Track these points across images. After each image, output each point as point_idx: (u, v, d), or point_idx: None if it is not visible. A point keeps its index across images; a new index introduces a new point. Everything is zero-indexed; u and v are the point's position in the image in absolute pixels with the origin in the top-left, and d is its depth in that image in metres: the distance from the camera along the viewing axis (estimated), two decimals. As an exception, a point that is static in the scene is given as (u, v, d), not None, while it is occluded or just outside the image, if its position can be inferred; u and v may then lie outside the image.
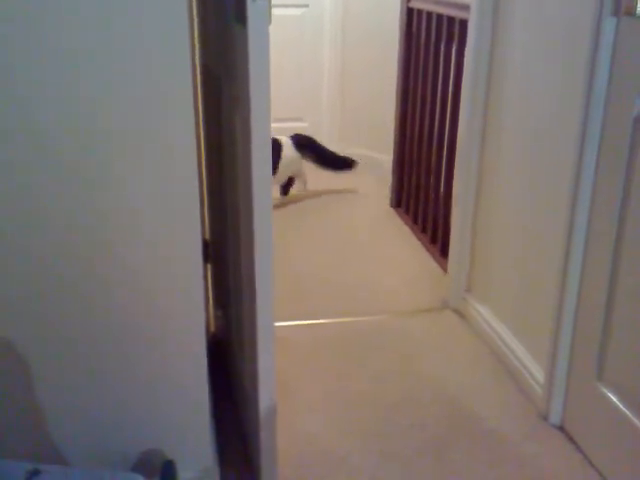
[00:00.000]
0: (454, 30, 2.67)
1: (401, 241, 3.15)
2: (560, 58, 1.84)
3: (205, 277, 2.05)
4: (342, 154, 3.73)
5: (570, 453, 1.80)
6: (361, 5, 3.98)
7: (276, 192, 3.54)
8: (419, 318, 2.49)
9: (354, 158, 3.73)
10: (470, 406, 1.99)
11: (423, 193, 3.13)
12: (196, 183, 1.36)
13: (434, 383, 2.10)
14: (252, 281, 1.45)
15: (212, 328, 2.22)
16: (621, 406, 1.65)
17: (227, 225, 1.82)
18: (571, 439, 1.85)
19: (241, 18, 1.27)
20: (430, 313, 2.52)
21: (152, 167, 1.32)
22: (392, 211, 3.49)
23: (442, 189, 2.88)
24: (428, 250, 3.01)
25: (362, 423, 1.91)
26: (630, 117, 1.55)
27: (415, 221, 3.24)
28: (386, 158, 3.67)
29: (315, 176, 3.69)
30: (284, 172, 3.43)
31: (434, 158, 2.96)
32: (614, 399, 1.67)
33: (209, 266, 2.20)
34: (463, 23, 2.50)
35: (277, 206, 3.44)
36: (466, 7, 2.36)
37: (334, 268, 2.86)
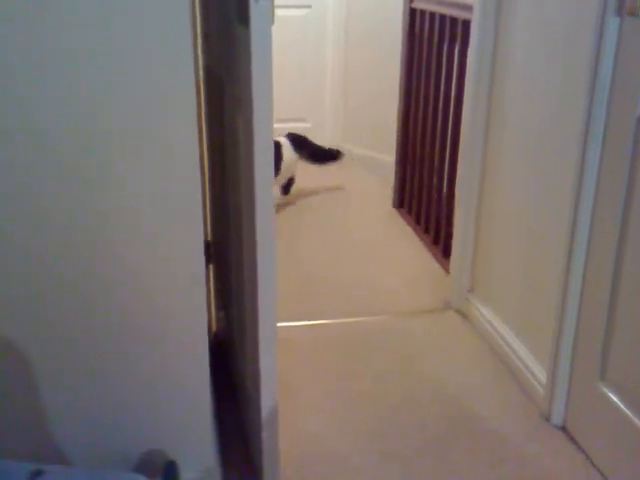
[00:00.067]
0: (457, 31, 2.67)
1: (404, 241, 3.15)
2: (563, 58, 1.83)
3: (207, 278, 2.05)
4: (329, 147, 3.78)
5: (572, 453, 1.80)
6: (364, 5, 3.98)
7: (276, 192, 3.54)
8: (421, 318, 2.49)
9: (341, 150, 3.80)
10: (472, 406, 1.99)
11: (426, 193, 3.13)
12: (198, 183, 1.36)
13: (436, 383, 2.10)
14: (254, 282, 1.45)
15: (214, 328, 2.23)
16: (623, 407, 1.65)
17: (229, 226, 1.82)
18: (573, 439, 1.85)
19: (244, 19, 1.27)
20: (432, 313, 2.52)
21: (154, 167, 1.32)
22: (394, 211, 3.49)
23: (445, 189, 2.87)
24: (430, 251, 3.01)
25: (364, 423, 1.91)
26: (633, 117, 1.55)
27: (418, 221, 3.24)
28: (389, 158, 3.67)
29: (304, 174, 3.71)
30: (285, 173, 3.44)
31: (437, 158, 2.96)
32: (616, 400, 1.67)
33: (211, 267, 2.20)
34: (466, 24, 2.50)
35: (279, 206, 3.45)
36: (469, 8, 2.36)
37: (336, 268, 2.86)
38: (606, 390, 1.70)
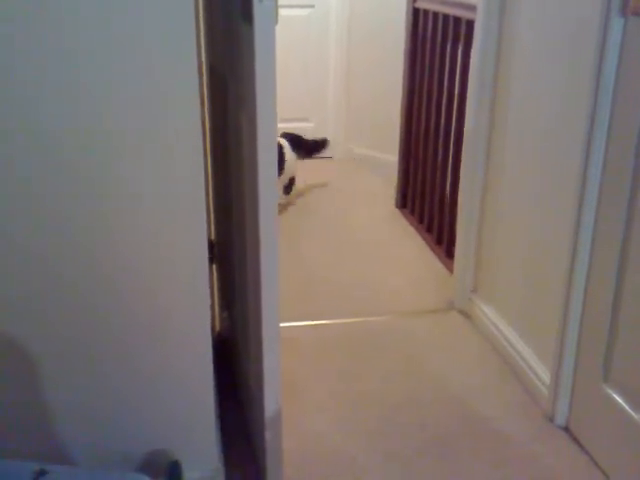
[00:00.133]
0: (460, 30, 2.66)
1: (407, 241, 3.15)
2: (567, 58, 1.83)
3: (210, 277, 2.05)
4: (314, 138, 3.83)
5: (575, 454, 1.80)
6: (367, 5, 3.98)
7: (279, 192, 3.54)
8: (424, 319, 2.49)
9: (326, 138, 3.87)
10: (475, 406, 1.99)
11: (429, 193, 3.12)
12: (202, 182, 1.36)
13: (439, 383, 2.10)
14: (258, 281, 1.45)
15: (217, 328, 2.23)
16: (627, 407, 1.64)
17: (233, 226, 1.82)
18: (576, 440, 1.84)
19: (248, 18, 1.27)
20: (435, 314, 2.52)
21: (157, 166, 1.32)
22: (397, 211, 3.49)
23: (448, 190, 2.87)
24: (434, 251, 3.01)
25: (368, 423, 1.91)
26: (638, 117, 1.55)
27: (421, 221, 3.24)
28: (391, 158, 3.67)
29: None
30: (287, 173, 3.45)
31: (440, 159, 2.95)
32: (620, 400, 1.67)
33: (214, 267, 2.21)
34: (469, 23, 2.50)
35: (281, 206, 3.45)
36: (472, 7, 2.36)
37: (339, 268, 2.86)
38: (610, 391, 1.70)
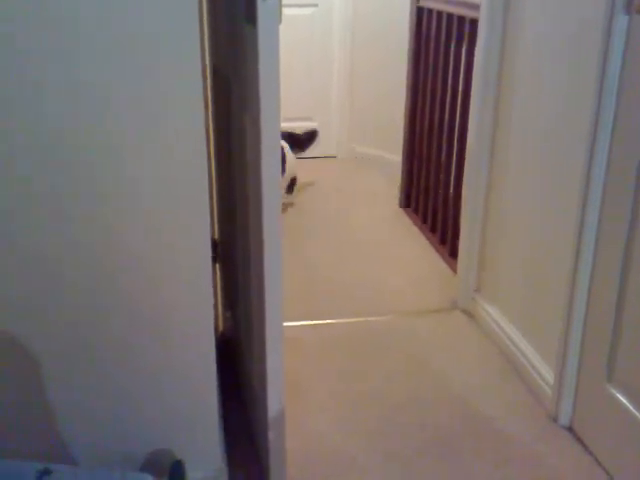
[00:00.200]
0: (464, 29, 2.66)
1: (410, 241, 3.14)
2: (571, 57, 1.83)
3: (214, 277, 2.05)
4: (305, 130, 3.81)
5: (579, 454, 1.80)
6: (370, 4, 3.98)
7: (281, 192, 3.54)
8: (428, 318, 2.48)
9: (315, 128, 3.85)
10: (479, 406, 1.99)
11: (432, 193, 3.12)
12: (205, 182, 1.36)
13: (443, 383, 2.09)
14: (261, 281, 1.45)
15: (221, 328, 2.23)
16: (631, 407, 1.64)
17: (236, 225, 1.82)
18: (580, 440, 1.84)
19: (251, 18, 1.27)
20: (439, 313, 2.52)
21: (161, 166, 1.32)
22: (401, 211, 3.49)
23: (451, 189, 2.87)
24: (437, 250, 3.00)
25: (370, 423, 1.91)
26: (641, 117, 1.54)
27: (424, 221, 3.23)
28: (395, 158, 3.66)
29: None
30: (289, 174, 3.45)
31: (444, 158, 2.95)
32: (624, 400, 1.66)
33: (218, 266, 2.21)
34: (473, 22, 2.49)
35: (284, 206, 3.45)
36: (476, 6, 2.35)
37: (342, 268, 2.86)
38: (613, 391, 1.70)
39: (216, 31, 1.89)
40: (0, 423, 1.43)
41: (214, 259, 1.87)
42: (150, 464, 1.51)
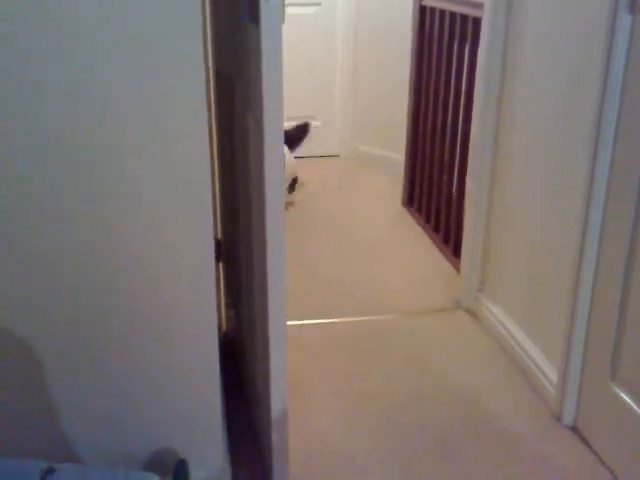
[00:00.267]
0: (467, 28, 2.66)
1: (413, 241, 3.14)
2: (575, 56, 1.82)
3: (217, 276, 2.05)
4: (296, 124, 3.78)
5: (583, 454, 1.79)
6: (373, 3, 3.97)
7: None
8: (431, 318, 2.48)
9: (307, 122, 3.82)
10: (482, 406, 1.99)
11: (435, 192, 3.12)
12: (208, 181, 1.36)
13: (446, 382, 2.09)
14: (264, 280, 1.45)
15: (224, 328, 2.23)
16: (635, 406, 1.64)
17: (239, 225, 1.82)
18: (584, 439, 1.84)
19: (254, 17, 1.27)
20: (442, 313, 2.52)
21: (163, 166, 1.32)
22: (404, 210, 3.48)
23: (455, 188, 2.87)
24: (440, 250, 3.00)
25: (372, 422, 1.91)
26: (645, 116, 1.54)
27: (427, 220, 3.23)
28: (398, 157, 3.66)
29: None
30: (289, 174, 3.45)
31: (447, 157, 2.95)
32: (628, 399, 1.66)
33: (221, 265, 2.21)
34: (476, 21, 2.49)
35: (286, 205, 3.45)
36: (479, 5, 2.35)
37: (345, 267, 2.86)
38: (617, 390, 1.70)
39: (219, 30, 1.89)
40: (4, 423, 1.44)
41: (217, 258, 1.87)
42: (154, 463, 1.51)
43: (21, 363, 1.41)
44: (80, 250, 1.35)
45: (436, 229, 3.12)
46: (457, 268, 2.68)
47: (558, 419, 1.92)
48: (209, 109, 1.42)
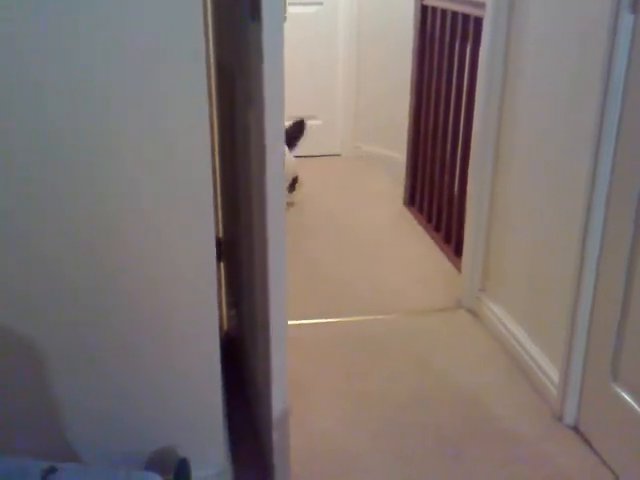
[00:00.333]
0: (469, 28, 2.65)
1: (415, 240, 3.14)
2: (576, 56, 1.82)
3: (218, 275, 2.05)
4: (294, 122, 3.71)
5: (584, 454, 1.79)
6: (375, 3, 3.97)
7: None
8: (433, 317, 2.48)
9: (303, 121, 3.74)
10: (484, 406, 1.98)
11: (437, 192, 3.12)
12: (209, 180, 1.36)
13: (447, 382, 2.09)
14: (265, 279, 1.45)
15: (225, 327, 2.23)
16: (636, 407, 1.63)
17: (240, 224, 1.82)
18: (585, 440, 1.84)
19: (256, 15, 1.27)
20: (444, 312, 2.51)
21: (165, 165, 1.32)
22: (405, 210, 3.48)
23: (456, 188, 2.86)
24: (442, 249, 3.00)
25: (374, 422, 1.91)
26: (647, 115, 1.54)
27: (429, 220, 3.23)
28: (400, 156, 3.66)
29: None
30: (289, 173, 3.44)
31: (448, 157, 2.95)
32: (629, 400, 1.66)
33: (222, 264, 2.21)
34: (478, 21, 2.49)
35: (288, 204, 3.44)
36: (481, 5, 2.35)
37: (346, 267, 2.86)
38: (619, 390, 1.69)
39: (220, 26, 1.88)
40: (6, 422, 1.44)
41: (218, 258, 1.86)
42: (155, 463, 1.51)
43: (22, 363, 1.40)
44: (80, 250, 1.34)
45: (437, 229, 3.12)
46: (458, 268, 2.68)
47: (559, 419, 1.92)
48: (210, 106, 1.42)
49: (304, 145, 3.80)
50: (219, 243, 2.14)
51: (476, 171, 2.40)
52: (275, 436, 1.56)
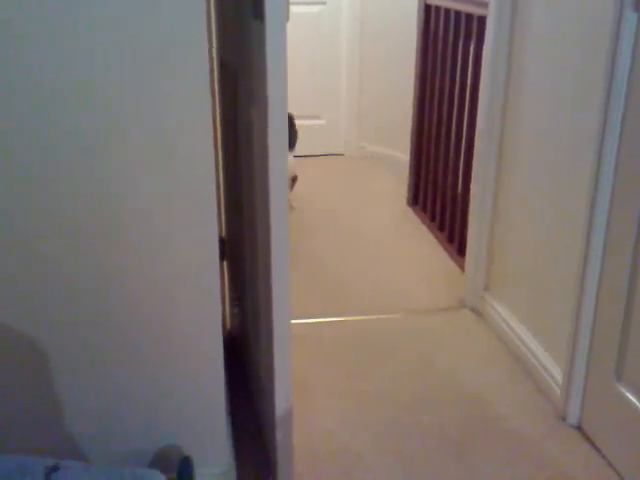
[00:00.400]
0: (472, 27, 2.65)
1: (418, 239, 3.14)
2: (580, 54, 1.82)
3: (221, 274, 2.05)
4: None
5: (588, 453, 1.79)
6: (378, 2, 3.97)
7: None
8: (436, 317, 2.48)
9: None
10: (487, 405, 1.98)
11: (440, 191, 3.11)
12: (213, 179, 1.36)
13: (451, 382, 2.09)
14: (269, 278, 1.45)
15: (228, 326, 2.23)
16: (641, 407, 1.63)
17: (243, 222, 1.82)
18: (589, 439, 1.83)
19: (259, 15, 1.27)
20: (447, 312, 2.51)
21: (166, 164, 1.32)
22: (409, 209, 3.48)
23: (459, 187, 2.86)
24: (445, 249, 3.00)
25: (377, 421, 1.91)
26: (651, 114, 1.53)
27: (432, 219, 3.23)
28: (403, 156, 3.66)
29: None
30: (288, 174, 3.44)
31: (452, 156, 2.94)
32: (633, 399, 1.66)
33: (225, 263, 2.21)
34: (481, 20, 2.48)
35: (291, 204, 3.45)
36: (484, 4, 2.34)
37: (350, 266, 2.86)
38: (623, 390, 1.69)
39: (223, 24, 1.88)
40: (8, 422, 1.44)
41: (221, 256, 1.87)
42: (159, 460, 1.51)
43: (22, 363, 1.41)
44: (80, 250, 1.35)
45: (441, 228, 3.11)
46: (462, 267, 2.68)
47: (563, 419, 1.91)
48: (213, 103, 1.42)
49: (307, 145, 3.80)
50: (222, 242, 2.14)
51: (479, 170, 2.40)
52: (278, 434, 1.56)
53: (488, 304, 2.42)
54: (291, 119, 3.67)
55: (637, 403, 1.64)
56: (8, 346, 1.39)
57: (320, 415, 1.93)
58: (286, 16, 1.25)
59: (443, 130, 3.03)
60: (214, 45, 1.95)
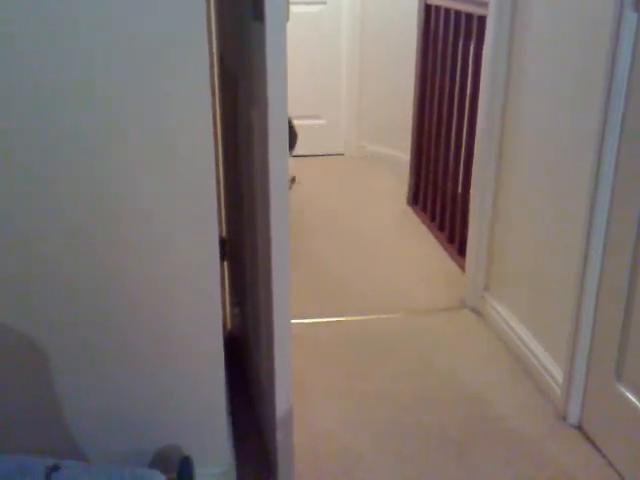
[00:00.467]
0: (472, 27, 2.65)
1: (418, 239, 3.14)
2: (580, 54, 1.82)
3: (222, 274, 2.05)
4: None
5: (588, 453, 1.79)
6: (379, 2, 3.97)
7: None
8: (436, 317, 2.48)
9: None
10: (488, 405, 1.98)
11: (440, 191, 3.11)
12: (213, 179, 1.36)
13: (452, 382, 2.09)
14: (269, 280, 1.45)
15: (228, 326, 2.23)
16: (641, 406, 1.63)
17: (244, 222, 1.82)
18: (589, 439, 1.83)
19: (259, 15, 1.27)
20: (448, 312, 2.51)
21: (167, 164, 1.32)
22: (409, 209, 3.48)
23: (460, 187, 2.86)
24: (445, 249, 3.00)
25: (378, 421, 1.91)
26: (651, 114, 1.53)
27: (432, 219, 3.23)
28: (403, 156, 3.66)
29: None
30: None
31: (452, 156, 2.94)
32: (633, 399, 1.66)
33: (225, 264, 2.21)
34: (481, 20, 2.48)
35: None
36: (484, 4, 2.34)
37: (350, 266, 2.86)
38: (623, 390, 1.69)
39: (223, 24, 1.88)
40: (8, 422, 1.44)
41: (222, 257, 1.87)
42: (159, 460, 1.51)
43: (22, 363, 1.41)
44: (80, 250, 1.35)
45: (441, 228, 3.11)
46: (462, 267, 2.68)
47: (563, 418, 1.91)
48: (213, 104, 1.42)
49: (308, 145, 3.80)
50: (223, 242, 2.14)
51: (479, 170, 2.40)
52: (279, 435, 1.56)
53: (488, 304, 2.42)
54: (289, 121, 3.65)
55: (637, 403, 1.64)
56: (8, 346, 1.39)
57: (320, 415, 1.93)
58: (286, 16, 1.25)
59: (443, 130, 3.03)
60: (214, 45, 1.95)
